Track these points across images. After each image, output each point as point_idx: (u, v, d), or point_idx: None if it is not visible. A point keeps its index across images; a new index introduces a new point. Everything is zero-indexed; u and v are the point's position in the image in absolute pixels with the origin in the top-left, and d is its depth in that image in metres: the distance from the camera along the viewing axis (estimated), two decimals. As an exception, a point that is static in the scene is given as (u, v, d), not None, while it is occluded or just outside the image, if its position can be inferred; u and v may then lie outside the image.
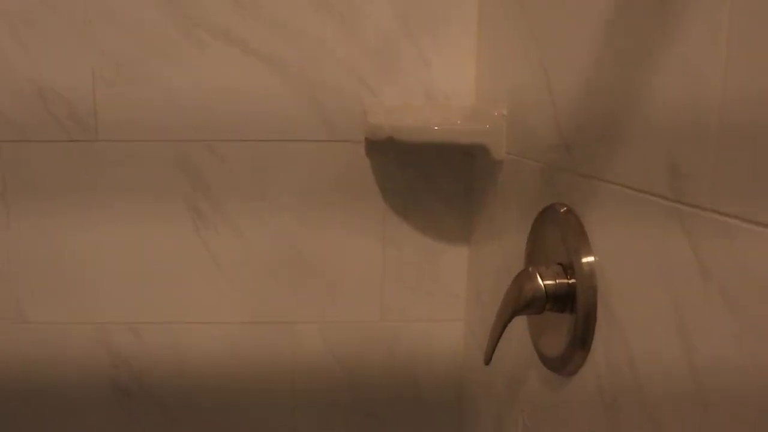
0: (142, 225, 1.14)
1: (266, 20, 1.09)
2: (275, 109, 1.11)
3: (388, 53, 1.11)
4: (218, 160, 1.12)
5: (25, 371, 1.18)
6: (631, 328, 0.59)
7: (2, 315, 1.16)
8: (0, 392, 1.18)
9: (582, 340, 0.66)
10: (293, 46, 1.10)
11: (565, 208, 0.73)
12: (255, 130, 1.12)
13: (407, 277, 1.19)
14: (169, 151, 1.12)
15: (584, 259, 0.67)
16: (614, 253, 0.63)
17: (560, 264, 0.71)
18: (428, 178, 1.15)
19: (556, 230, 0.74)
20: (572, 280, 0.68)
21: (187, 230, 1.15)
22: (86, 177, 1.12)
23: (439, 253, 1.18)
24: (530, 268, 0.72)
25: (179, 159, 1.12)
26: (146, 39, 1.09)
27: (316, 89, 1.11)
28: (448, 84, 1.12)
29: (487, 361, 0.78)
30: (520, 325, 0.83)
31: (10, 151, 1.11)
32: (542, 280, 0.70)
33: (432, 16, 1.11)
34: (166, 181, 1.13)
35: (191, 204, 1.14)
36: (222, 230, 1.15)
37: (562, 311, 0.70)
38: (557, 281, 0.69)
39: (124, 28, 1.08)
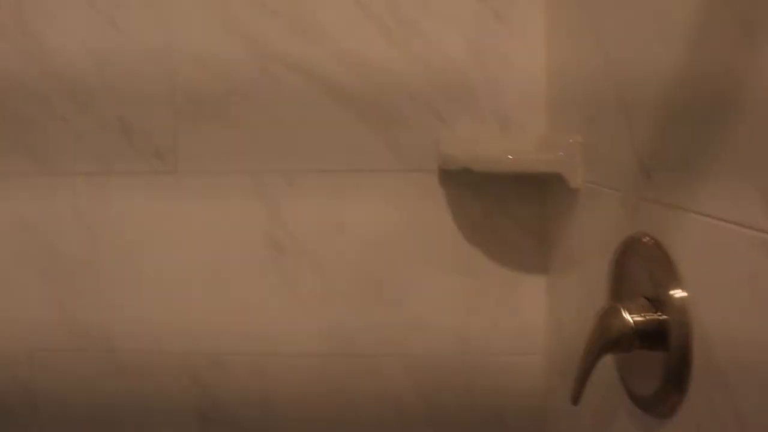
0: (222, 256, 1.17)
1: (338, 53, 1.11)
2: (349, 140, 1.13)
3: (459, 82, 1.11)
4: (295, 190, 1.14)
5: (112, 399, 1.22)
6: (735, 372, 0.55)
7: (91, 344, 1.22)
8: (87, 419, 1.22)
9: (677, 381, 0.62)
10: (365, 78, 1.11)
11: (649, 239, 0.70)
12: (330, 160, 1.14)
13: (485, 308, 1.16)
14: (246, 182, 1.15)
15: (674, 293, 0.63)
16: (707, 287, 0.60)
17: (647, 298, 0.68)
18: (503, 206, 1.13)
19: (640, 262, 0.71)
20: (663, 316, 0.65)
21: (266, 261, 1.17)
22: (166, 208, 1.16)
23: (517, 284, 1.16)
24: (616, 304, 0.69)
25: (257, 190, 1.15)
26: (224, 74, 1.13)
27: (389, 119, 1.12)
28: (520, 112, 1.11)
29: (575, 401, 0.75)
30: (606, 359, 0.79)
31: (94, 182, 1.17)
32: (630, 316, 0.66)
33: (502, 44, 1.10)
34: (245, 211, 1.16)
35: (270, 236, 1.16)
36: (300, 261, 1.16)
37: (652, 348, 0.66)
38: (646, 317, 0.66)
39: (204, 64, 1.13)
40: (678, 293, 0.63)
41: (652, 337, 0.65)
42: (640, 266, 0.70)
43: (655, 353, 0.66)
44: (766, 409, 0.51)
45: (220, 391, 1.20)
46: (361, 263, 1.16)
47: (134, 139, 1.15)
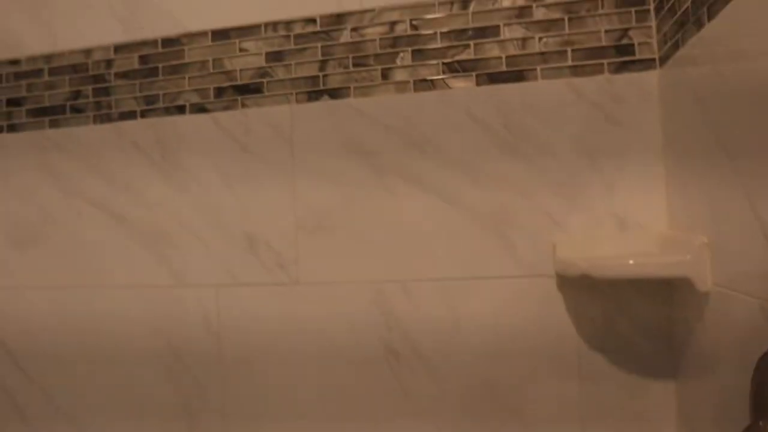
0: (339, 363, 1.20)
1: (450, 162, 1.15)
2: (464, 247, 1.15)
3: (572, 184, 1.12)
4: (411, 298, 1.17)
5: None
6: None
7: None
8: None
9: None
10: (480, 187, 1.14)
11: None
12: (446, 268, 1.16)
13: (608, 415, 1.12)
14: (365, 291, 1.18)
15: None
16: None
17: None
18: (626, 309, 1.10)
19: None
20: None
21: (382, 368, 1.18)
22: (289, 316, 1.21)
23: (643, 391, 1.11)
24: (759, 423, 0.65)
25: (375, 299, 1.18)
26: (343, 189, 1.19)
27: (503, 225, 1.14)
28: (638, 211, 1.10)
29: None
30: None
31: (222, 294, 1.24)
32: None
33: (614, 144, 1.11)
34: (363, 320, 1.19)
35: (386, 343, 1.18)
36: (416, 367, 1.17)
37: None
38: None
39: (324, 179, 1.20)
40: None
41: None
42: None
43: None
44: None
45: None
46: (478, 369, 1.15)
47: (259, 252, 1.22)
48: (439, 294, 1.16)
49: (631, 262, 0.98)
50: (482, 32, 1.15)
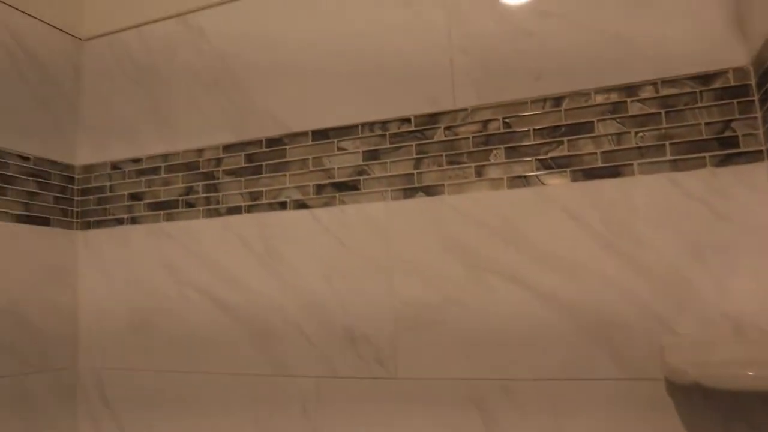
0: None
1: (550, 261, 1.13)
2: (564, 346, 1.12)
3: (678, 282, 1.07)
4: (511, 398, 1.14)
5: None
6: None
7: None
8: None
9: None
10: (579, 284, 1.12)
11: None
12: (547, 368, 1.13)
13: None
14: (462, 389, 1.17)
15: None
16: None
17: None
18: (747, 417, 1.02)
19: None
20: None
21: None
22: (386, 410, 1.21)
23: None
24: None
25: (473, 397, 1.16)
26: (440, 284, 1.20)
27: (606, 325, 1.10)
28: (755, 314, 1.03)
29: None
30: None
31: (321, 385, 1.26)
32: None
33: (723, 239, 1.05)
34: (460, 419, 1.17)
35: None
36: (515, 471, 1.13)
37: None
38: None
39: (420, 275, 1.21)
40: None
41: None
42: None
43: None
44: None
45: None
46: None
47: (358, 346, 1.24)
48: (540, 395, 1.12)
49: (750, 373, 0.91)
50: (576, 129, 1.15)
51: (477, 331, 1.17)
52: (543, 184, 1.16)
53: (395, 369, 1.21)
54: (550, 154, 1.16)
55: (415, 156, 1.24)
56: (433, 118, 1.24)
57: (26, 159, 1.49)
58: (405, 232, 1.23)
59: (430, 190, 1.22)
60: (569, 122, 1.15)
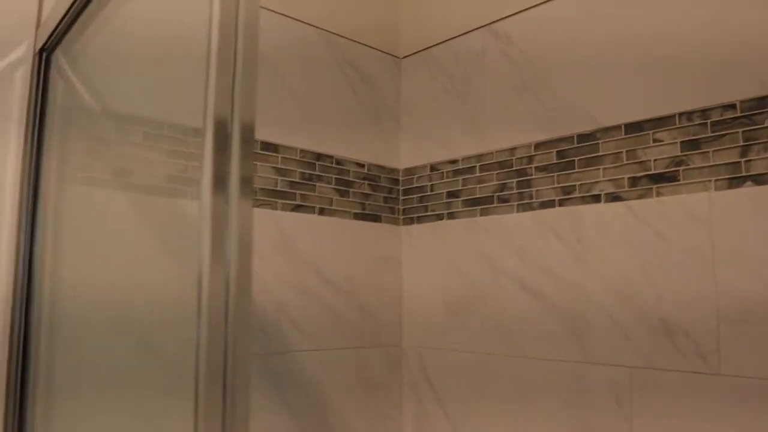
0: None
1: None
2: None
3: None
4: None
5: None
6: None
7: None
8: None
9: None
10: None
11: None
12: None
13: None
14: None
15: None
16: None
17: None
18: None
19: None
20: None
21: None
22: (707, 407, 1.18)
23: None
24: None
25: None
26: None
27: None
28: None
29: None
30: None
31: (635, 376, 1.27)
32: None
33: None
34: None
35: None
36: None
37: None
38: None
39: (749, 270, 1.15)
40: None
41: None
42: None
43: None
44: None
45: None
46: None
47: (676, 339, 1.23)
48: None
49: None
50: None
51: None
52: None
53: (718, 364, 1.17)
54: None
55: (741, 143, 1.18)
56: (762, 101, 1.17)
57: (362, 166, 1.76)
58: (730, 223, 1.18)
59: (760, 179, 1.16)
60: None
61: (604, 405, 1.32)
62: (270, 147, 1.54)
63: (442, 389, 1.65)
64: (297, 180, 1.59)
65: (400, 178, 1.84)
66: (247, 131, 0.63)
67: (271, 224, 1.52)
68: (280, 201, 1.55)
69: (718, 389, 1.17)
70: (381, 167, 1.81)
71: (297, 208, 1.58)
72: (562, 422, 1.38)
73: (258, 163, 1.51)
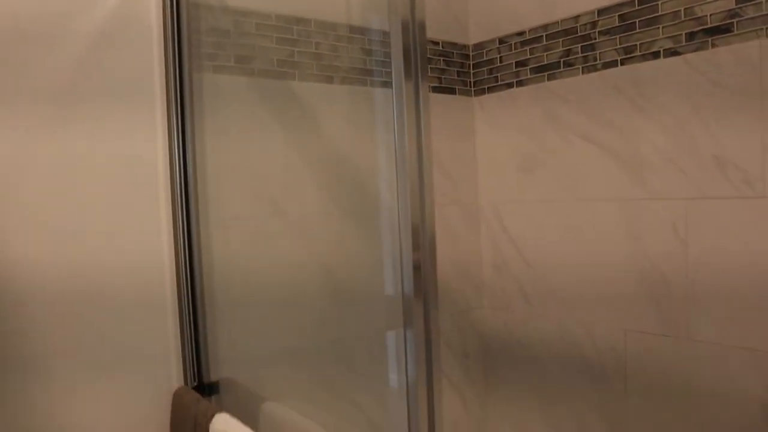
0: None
1: None
2: None
3: None
4: None
5: (685, 383, 1.51)
6: None
7: (672, 332, 1.54)
8: (637, 410, 1.54)
9: None
10: None
11: None
12: None
13: None
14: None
15: None
16: None
17: None
18: None
19: None
20: None
21: None
22: (754, 228, 1.40)
23: None
24: None
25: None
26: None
27: None
28: None
29: None
30: None
31: (693, 206, 1.49)
32: None
33: None
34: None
35: None
36: None
37: None
38: None
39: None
40: None
41: None
42: None
43: None
44: None
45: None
46: None
47: (727, 171, 1.43)
48: None
49: None
50: None
51: None
52: None
53: (764, 189, 1.38)
54: None
55: (792, -8, 1.33)
56: (812, -48, 1.30)
57: (436, 44, 1.95)
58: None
59: (807, 24, 1.31)
60: None
61: (664, 237, 1.55)
62: (356, 30, 1.74)
63: (516, 235, 1.91)
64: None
65: (471, 53, 2.02)
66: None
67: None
68: (368, 78, 1.76)
69: (762, 209, 1.38)
70: (453, 44, 1.99)
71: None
72: (622, 251, 1.63)
73: (344, 45, 1.71)
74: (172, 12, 1.36)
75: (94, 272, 1.28)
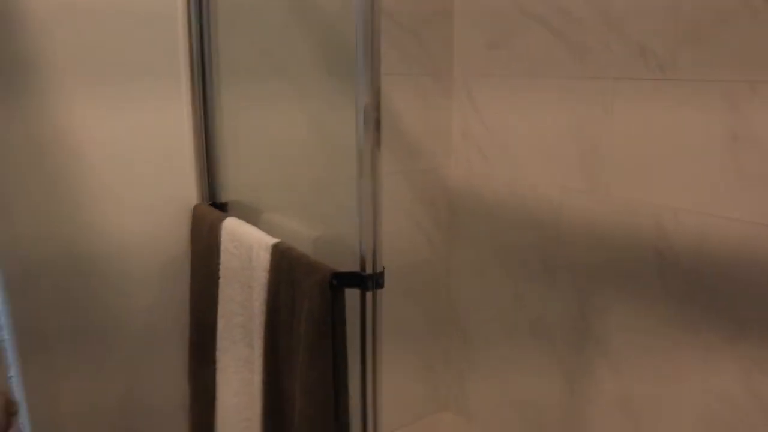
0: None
1: None
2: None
3: None
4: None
5: (598, 236, 1.88)
6: None
7: (590, 188, 1.90)
8: (566, 253, 1.91)
9: None
10: None
11: None
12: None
13: None
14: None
15: None
16: None
17: None
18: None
19: None
20: None
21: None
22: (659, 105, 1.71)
23: None
24: None
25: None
26: None
27: None
28: None
29: None
30: None
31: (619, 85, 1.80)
32: None
33: None
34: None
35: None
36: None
37: None
38: None
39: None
40: None
41: None
42: None
43: None
44: None
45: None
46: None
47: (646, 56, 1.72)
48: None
49: None
50: None
51: None
52: None
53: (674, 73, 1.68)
54: None
55: None
56: None
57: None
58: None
59: None
60: None
61: (593, 108, 1.87)
62: None
63: (482, 105, 2.23)
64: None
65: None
66: None
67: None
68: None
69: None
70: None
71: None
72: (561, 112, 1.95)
73: None
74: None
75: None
